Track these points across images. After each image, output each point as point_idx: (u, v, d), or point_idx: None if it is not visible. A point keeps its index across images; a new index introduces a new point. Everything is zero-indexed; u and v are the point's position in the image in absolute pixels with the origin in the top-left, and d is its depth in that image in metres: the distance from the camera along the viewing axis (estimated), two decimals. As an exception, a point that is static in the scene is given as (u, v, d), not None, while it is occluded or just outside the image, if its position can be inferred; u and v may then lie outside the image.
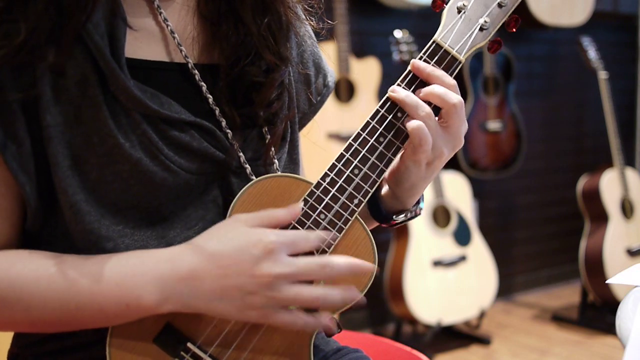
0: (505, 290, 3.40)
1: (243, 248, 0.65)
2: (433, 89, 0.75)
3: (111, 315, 0.67)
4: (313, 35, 0.91)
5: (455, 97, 0.74)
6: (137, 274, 0.66)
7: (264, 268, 0.64)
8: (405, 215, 0.85)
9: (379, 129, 0.76)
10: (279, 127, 0.80)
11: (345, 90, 2.59)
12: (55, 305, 0.66)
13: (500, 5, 0.79)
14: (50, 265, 0.67)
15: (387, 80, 2.67)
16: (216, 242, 0.66)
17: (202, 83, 0.76)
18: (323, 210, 0.73)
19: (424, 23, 2.89)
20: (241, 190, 0.73)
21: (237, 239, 0.66)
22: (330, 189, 0.74)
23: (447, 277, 2.65)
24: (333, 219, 0.74)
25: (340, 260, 0.68)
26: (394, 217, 0.84)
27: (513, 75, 3.08)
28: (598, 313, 3.04)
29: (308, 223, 0.73)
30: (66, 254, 0.68)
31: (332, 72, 0.93)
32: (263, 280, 0.64)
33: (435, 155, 0.77)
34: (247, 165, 0.77)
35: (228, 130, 0.76)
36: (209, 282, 0.65)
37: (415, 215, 0.85)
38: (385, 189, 0.84)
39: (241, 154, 0.77)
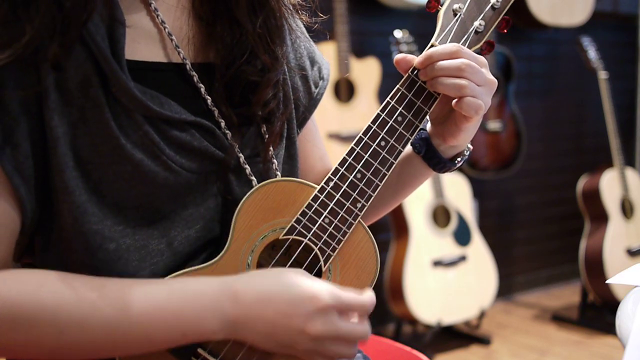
0: (505, 290, 3.40)
1: (299, 300, 0.67)
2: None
3: (159, 342, 0.67)
4: (306, 32, 0.92)
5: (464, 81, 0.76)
6: (198, 306, 0.67)
7: (313, 325, 0.66)
8: (462, 158, 0.89)
9: (380, 134, 0.76)
10: (277, 126, 0.81)
11: (345, 90, 2.59)
12: (95, 332, 0.64)
13: (493, 8, 0.80)
14: (90, 288, 0.65)
15: (387, 80, 2.67)
16: (276, 285, 0.68)
17: (201, 85, 0.76)
18: (328, 215, 0.74)
19: (424, 23, 2.89)
20: (247, 194, 0.74)
21: (296, 289, 0.67)
22: (335, 194, 0.74)
23: (447, 277, 2.65)
24: (338, 223, 0.74)
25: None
26: (457, 161, 0.88)
27: (513, 75, 3.08)
28: (598, 313, 3.04)
29: (314, 228, 0.74)
30: (96, 276, 0.68)
31: (327, 64, 0.94)
32: (310, 336, 0.67)
33: (485, 108, 0.79)
34: (247, 166, 0.77)
35: (227, 131, 0.77)
36: (262, 324, 0.67)
37: (469, 151, 0.89)
38: (441, 144, 0.86)
39: (241, 154, 0.77)
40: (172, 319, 0.66)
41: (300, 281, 0.68)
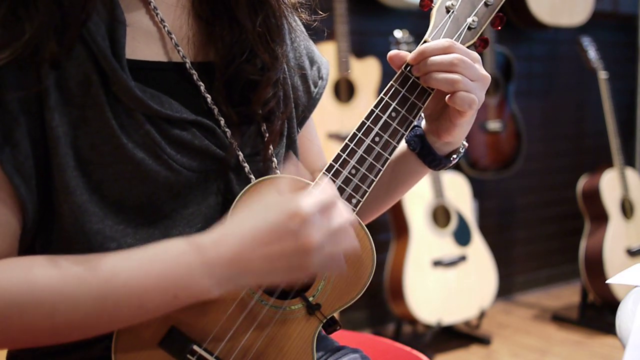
0: (505, 290, 3.40)
1: (281, 222, 0.65)
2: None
3: (153, 308, 0.66)
4: (305, 31, 0.92)
5: (458, 76, 0.76)
6: (182, 264, 0.65)
7: (304, 238, 0.64)
8: (457, 155, 0.88)
9: (374, 129, 0.76)
10: (277, 125, 0.81)
11: (345, 90, 2.59)
12: (87, 306, 0.63)
13: (486, 4, 0.81)
14: (74, 264, 0.64)
15: (387, 80, 2.65)
16: (252, 219, 0.66)
17: (200, 83, 0.76)
18: None
19: (424, 23, 2.87)
20: (242, 191, 0.74)
21: (272, 212, 0.66)
22: None
23: (447, 277, 2.65)
24: None
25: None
26: (452, 158, 0.88)
27: (513, 75, 3.08)
28: (598, 313, 3.04)
29: None
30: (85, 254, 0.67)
31: (326, 64, 0.94)
32: (306, 250, 0.65)
33: (479, 103, 0.78)
34: (246, 164, 0.77)
35: (227, 129, 0.77)
36: (256, 261, 0.65)
37: (464, 148, 0.89)
38: (436, 141, 0.86)
39: (240, 153, 0.77)
40: (159, 282, 0.65)
41: (271, 204, 0.67)
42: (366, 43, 2.84)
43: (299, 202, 0.65)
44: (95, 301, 0.64)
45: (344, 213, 0.68)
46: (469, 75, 0.76)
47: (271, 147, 0.80)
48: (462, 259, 2.71)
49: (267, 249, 0.65)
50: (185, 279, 0.65)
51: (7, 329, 0.63)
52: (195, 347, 0.70)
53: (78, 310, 0.63)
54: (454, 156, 0.88)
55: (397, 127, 0.77)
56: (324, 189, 0.68)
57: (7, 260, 0.65)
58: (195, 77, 0.76)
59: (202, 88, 0.77)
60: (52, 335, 0.65)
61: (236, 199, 0.74)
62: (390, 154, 0.77)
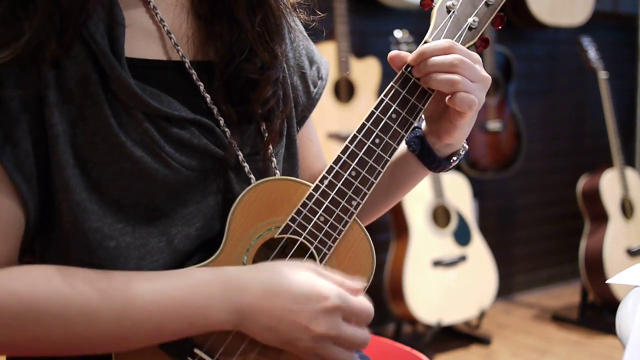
0: (505, 290, 3.40)
1: (307, 297, 0.68)
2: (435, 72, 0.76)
3: (167, 333, 0.68)
4: (304, 31, 0.92)
5: (457, 76, 0.76)
6: (205, 295, 0.67)
7: (317, 324, 0.68)
8: (458, 157, 0.88)
9: (374, 131, 0.76)
10: (276, 124, 0.81)
11: (345, 90, 2.59)
12: (104, 324, 0.65)
13: (487, 4, 0.80)
14: (99, 279, 0.66)
15: (387, 80, 2.67)
16: (284, 279, 0.69)
17: (200, 82, 0.76)
18: (323, 214, 0.74)
19: (424, 23, 2.87)
20: (241, 194, 0.74)
21: (304, 285, 0.69)
22: (330, 192, 0.74)
23: (447, 277, 2.65)
24: (333, 222, 0.74)
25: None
26: (452, 160, 0.87)
27: (513, 75, 3.08)
28: (598, 313, 3.04)
29: (309, 227, 0.74)
30: (94, 269, 0.68)
31: (326, 64, 0.94)
32: (312, 334, 0.68)
33: (479, 104, 0.78)
34: (245, 164, 0.78)
35: (226, 129, 0.77)
36: (267, 317, 0.68)
37: (465, 150, 0.88)
38: (436, 142, 0.85)
39: (239, 152, 0.77)
40: (180, 308, 0.66)
41: (309, 278, 0.69)
42: (366, 43, 2.84)
43: (336, 292, 0.69)
44: (114, 320, 0.65)
45: (363, 333, 0.71)
46: (469, 76, 0.76)
47: (271, 146, 0.80)
48: (462, 259, 2.71)
49: (280, 312, 0.68)
50: (205, 311, 0.67)
51: (20, 335, 0.64)
52: (196, 350, 0.70)
53: (95, 326, 0.65)
54: (454, 158, 0.87)
55: (397, 128, 0.77)
56: (364, 302, 0.71)
57: (29, 267, 0.66)
58: (195, 76, 0.76)
59: (202, 87, 0.77)
60: (63, 347, 0.66)
61: (236, 202, 0.74)
62: (390, 156, 0.76)
